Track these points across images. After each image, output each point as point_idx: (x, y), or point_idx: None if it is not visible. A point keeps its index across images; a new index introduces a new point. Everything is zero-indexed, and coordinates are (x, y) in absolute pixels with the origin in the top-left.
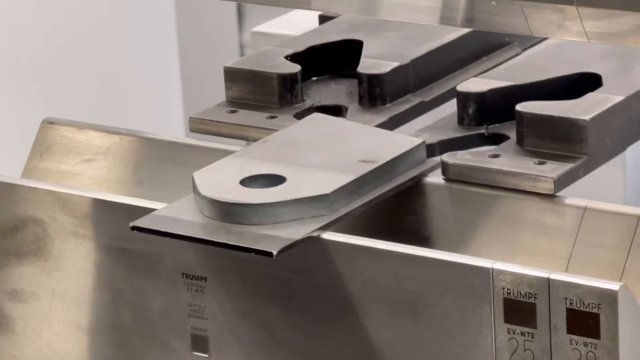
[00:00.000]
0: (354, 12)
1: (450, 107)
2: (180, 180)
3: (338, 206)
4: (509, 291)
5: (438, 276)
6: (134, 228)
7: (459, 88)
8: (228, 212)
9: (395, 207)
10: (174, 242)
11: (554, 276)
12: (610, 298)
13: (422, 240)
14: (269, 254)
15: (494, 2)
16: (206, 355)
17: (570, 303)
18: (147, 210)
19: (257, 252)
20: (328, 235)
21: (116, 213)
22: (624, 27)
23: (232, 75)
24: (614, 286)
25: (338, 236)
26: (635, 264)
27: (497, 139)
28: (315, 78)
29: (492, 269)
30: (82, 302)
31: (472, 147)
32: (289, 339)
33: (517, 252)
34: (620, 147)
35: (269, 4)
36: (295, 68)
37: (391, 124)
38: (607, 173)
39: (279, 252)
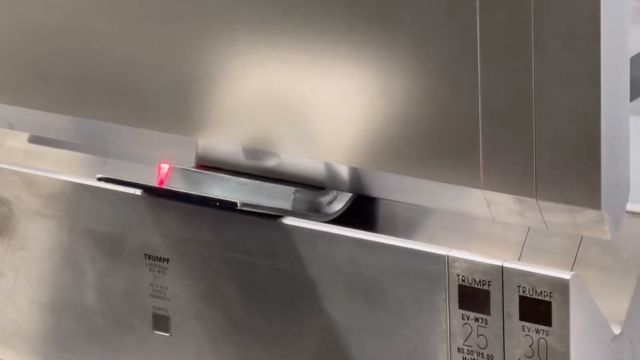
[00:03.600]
0: None
1: None
2: (145, 163)
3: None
4: (463, 278)
5: (394, 262)
6: (101, 179)
7: None
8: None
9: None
10: (138, 223)
11: (507, 265)
12: (562, 287)
13: (379, 226)
14: (234, 204)
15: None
16: (167, 334)
17: (523, 291)
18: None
19: (221, 202)
20: (288, 220)
21: (81, 194)
22: (581, 220)
23: None
24: (566, 275)
25: (297, 221)
26: (586, 252)
27: None
28: None
29: (448, 256)
30: (46, 280)
31: None
32: (248, 320)
33: (472, 239)
34: None
35: None
36: None
37: None
38: None
39: (242, 205)
